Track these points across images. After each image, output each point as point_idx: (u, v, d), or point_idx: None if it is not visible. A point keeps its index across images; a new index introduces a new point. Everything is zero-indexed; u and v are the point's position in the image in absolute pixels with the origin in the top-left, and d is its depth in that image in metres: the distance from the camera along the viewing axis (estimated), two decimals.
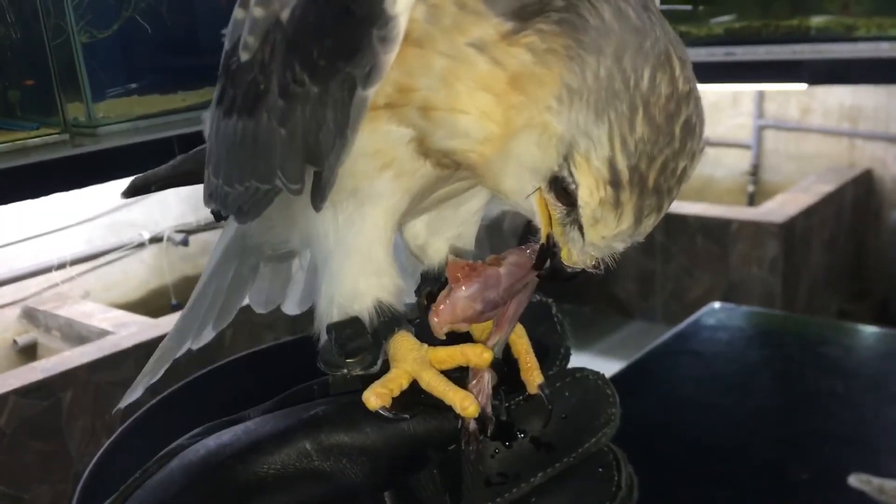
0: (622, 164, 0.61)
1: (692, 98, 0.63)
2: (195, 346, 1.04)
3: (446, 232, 0.83)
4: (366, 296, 0.74)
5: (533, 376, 0.72)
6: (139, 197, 1.01)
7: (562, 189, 0.65)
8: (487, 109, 0.64)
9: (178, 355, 1.03)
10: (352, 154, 0.67)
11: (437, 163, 0.70)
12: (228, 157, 0.79)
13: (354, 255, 0.74)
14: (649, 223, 0.64)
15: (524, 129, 0.64)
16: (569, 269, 0.68)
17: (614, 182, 0.62)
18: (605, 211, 0.63)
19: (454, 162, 0.70)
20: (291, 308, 1.05)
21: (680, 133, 0.62)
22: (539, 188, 0.66)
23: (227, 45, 0.80)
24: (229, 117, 0.78)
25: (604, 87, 0.61)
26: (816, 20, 3.23)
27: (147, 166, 1.04)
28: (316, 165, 0.69)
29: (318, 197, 0.70)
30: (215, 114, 0.82)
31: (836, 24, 3.18)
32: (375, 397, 0.67)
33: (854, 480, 1.60)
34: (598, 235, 0.65)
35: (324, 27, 0.65)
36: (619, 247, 0.66)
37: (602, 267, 0.68)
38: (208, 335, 1.04)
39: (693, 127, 0.63)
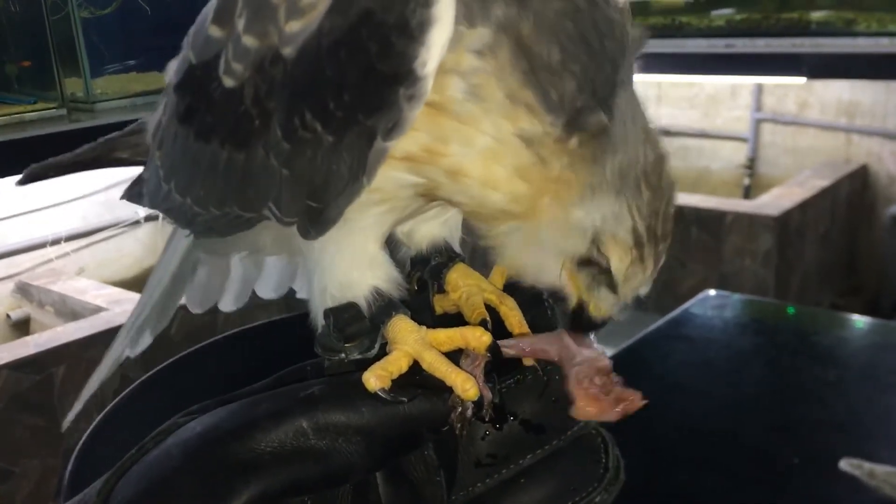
0: (641, 227, 0.70)
1: (665, 155, 0.72)
2: (133, 354, 1.04)
3: (432, 218, 0.83)
4: (360, 285, 0.74)
5: None
6: (135, 174, 0.99)
7: (591, 263, 0.72)
8: (520, 195, 0.69)
9: (119, 363, 1.03)
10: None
11: (437, 202, 0.74)
12: (204, 182, 0.77)
13: (347, 248, 0.74)
14: (662, 261, 0.73)
15: (549, 221, 0.70)
16: (599, 321, 0.75)
17: (638, 244, 0.70)
18: (634, 269, 0.72)
19: (458, 208, 0.74)
20: (228, 305, 1.05)
21: (666, 185, 0.71)
22: (563, 265, 0.73)
23: (192, 59, 0.77)
24: (206, 141, 0.76)
25: (617, 173, 0.69)
26: (816, 14, 3.22)
27: None
28: (319, 203, 0.69)
29: (317, 230, 0.71)
30: (178, 131, 0.80)
31: (836, 19, 3.18)
32: (375, 378, 0.67)
33: (845, 465, 1.61)
34: (630, 288, 0.73)
35: (343, 81, 0.64)
36: (645, 290, 0.74)
37: (628, 310, 0.77)
38: (146, 340, 1.04)
39: (669, 176, 0.72)
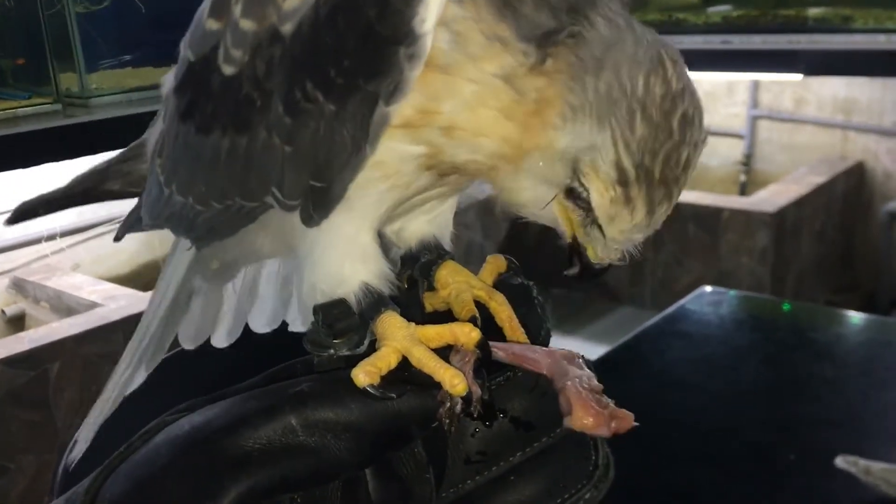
0: (627, 163, 0.66)
1: (686, 93, 0.67)
2: (127, 391, 1.02)
3: (422, 215, 0.83)
4: (351, 280, 0.74)
5: (520, 341, 0.73)
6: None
7: (576, 195, 0.69)
8: (508, 135, 0.67)
9: (120, 400, 1.01)
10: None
11: (440, 173, 0.72)
12: (206, 175, 0.77)
13: (339, 243, 0.74)
14: (662, 212, 0.69)
15: (535, 149, 0.68)
16: (597, 266, 0.73)
17: (622, 181, 0.67)
18: (617, 208, 0.68)
19: (461, 172, 0.72)
20: (220, 340, 1.03)
21: (678, 126, 0.66)
22: (556, 197, 0.71)
23: (190, 57, 0.77)
24: (207, 133, 0.75)
25: (603, 98, 0.65)
26: (813, 11, 3.22)
27: (139, 138, 1.03)
28: (322, 181, 0.69)
29: (320, 213, 0.70)
30: (179, 130, 0.80)
31: (832, 15, 3.18)
32: (364, 374, 0.67)
33: (841, 462, 1.62)
34: (616, 231, 0.69)
35: (343, 46, 0.64)
36: (639, 238, 0.71)
37: (627, 259, 0.73)
38: (140, 378, 1.01)
39: (691, 118, 0.67)
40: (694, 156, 0.68)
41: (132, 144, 0.96)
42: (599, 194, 0.68)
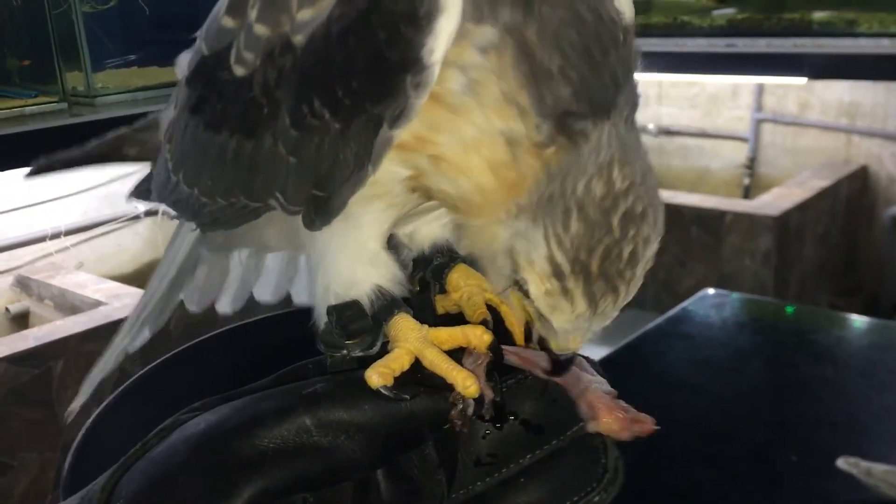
0: (560, 258, 0.66)
1: (631, 192, 0.66)
2: (131, 349, 1.04)
3: (434, 220, 0.83)
4: (363, 283, 0.75)
5: (528, 347, 0.73)
6: (136, 169, 0.99)
7: (521, 287, 0.70)
8: (485, 186, 0.68)
9: (121, 358, 1.02)
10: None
11: (426, 198, 0.73)
12: (212, 171, 0.78)
13: (350, 246, 0.75)
14: (607, 304, 0.68)
15: (489, 228, 0.70)
16: (562, 357, 0.72)
17: (557, 274, 0.66)
18: (556, 300, 0.67)
19: (438, 200, 0.73)
20: (225, 306, 1.05)
21: (619, 223, 0.66)
22: (510, 288, 0.72)
23: (205, 50, 0.78)
24: (215, 131, 0.76)
25: (544, 201, 0.66)
26: (818, 14, 3.22)
27: None
28: (324, 192, 0.69)
29: (321, 220, 0.71)
30: (189, 121, 0.81)
31: (837, 19, 3.18)
32: (378, 376, 0.67)
33: (842, 463, 1.62)
34: (561, 321, 0.69)
35: (351, 68, 0.65)
36: (588, 328, 0.69)
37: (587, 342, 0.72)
38: (145, 336, 1.03)
39: (638, 215, 0.67)
40: (643, 250, 0.67)
41: (149, 117, 0.97)
42: (535, 286, 0.68)
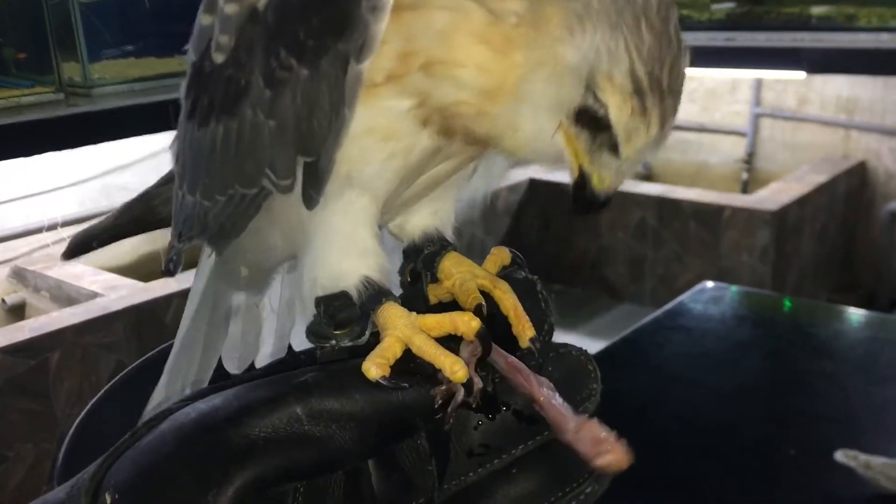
0: (641, 72, 0.64)
1: (673, 1, 0.66)
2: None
3: (423, 209, 0.83)
4: (350, 275, 0.74)
5: (525, 329, 0.73)
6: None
7: (588, 117, 0.66)
8: (484, 63, 0.65)
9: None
10: (347, 136, 0.67)
11: (438, 130, 0.71)
12: (207, 168, 0.78)
13: (338, 238, 0.74)
14: (670, 124, 0.67)
15: (535, 72, 0.65)
16: (603, 195, 0.70)
17: (638, 91, 0.64)
18: (635, 122, 0.65)
19: (456, 125, 0.70)
20: (264, 362, 1.01)
21: (675, 35, 0.65)
22: (560, 126, 0.68)
23: (192, 58, 0.78)
24: (205, 126, 0.76)
25: (609, 6, 0.63)
26: (817, 9, 3.22)
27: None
28: (310, 155, 0.68)
29: (314, 189, 0.70)
30: (186, 131, 0.80)
31: (836, 14, 3.18)
32: (375, 367, 0.67)
33: (841, 456, 1.62)
34: (634, 148, 0.67)
35: (309, 6, 0.65)
36: (651, 155, 0.68)
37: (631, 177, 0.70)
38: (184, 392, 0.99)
39: (678, 28, 0.66)
40: (687, 63, 0.67)
41: (169, 171, 0.95)
42: (618, 108, 0.65)
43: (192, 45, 0.79)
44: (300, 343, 0.98)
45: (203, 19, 0.75)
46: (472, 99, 0.67)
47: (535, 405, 0.70)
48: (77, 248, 1.01)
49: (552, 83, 0.66)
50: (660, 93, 0.65)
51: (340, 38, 0.64)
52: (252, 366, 1.00)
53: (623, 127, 0.66)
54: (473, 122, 0.70)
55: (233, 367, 1.00)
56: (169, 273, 0.92)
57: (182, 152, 0.83)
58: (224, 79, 0.72)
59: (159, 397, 0.99)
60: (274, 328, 1.00)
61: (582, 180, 0.70)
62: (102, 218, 1.00)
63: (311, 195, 0.71)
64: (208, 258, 0.90)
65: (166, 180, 0.95)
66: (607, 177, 0.69)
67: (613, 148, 0.68)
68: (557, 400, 0.69)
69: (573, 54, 0.65)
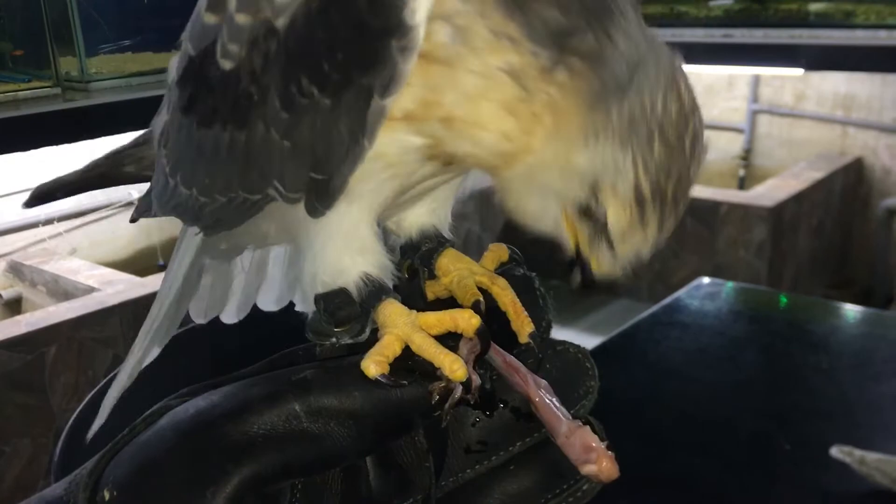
0: (645, 184, 0.66)
1: (696, 108, 0.68)
2: (143, 364, 1.02)
3: (420, 207, 0.83)
4: (350, 271, 0.74)
5: (524, 325, 0.73)
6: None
7: (589, 212, 0.69)
8: (508, 132, 0.66)
9: (135, 375, 1.01)
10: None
11: (443, 163, 0.72)
12: (208, 168, 0.77)
13: (338, 235, 0.74)
14: (670, 227, 0.69)
15: (549, 161, 0.67)
16: (598, 278, 0.72)
17: (639, 201, 0.67)
18: (633, 227, 0.68)
19: (463, 164, 0.71)
20: (230, 316, 1.03)
21: (689, 144, 0.67)
22: (563, 211, 0.70)
23: (190, 51, 0.77)
24: (208, 127, 0.75)
25: (626, 121, 0.65)
26: (815, 6, 3.22)
27: (138, 124, 1.02)
28: (324, 174, 0.68)
29: (323, 204, 0.70)
30: (182, 122, 0.80)
31: (834, 11, 3.18)
32: (375, 365, 0.67)
33: (836, 452, 1.62)
34: (627, 248, 0.69)
35: (335, 41, 0.64)
36: (647, 254, 0.70)
37: (629, 271, 0.72)
38: (153, 354, 1.01)
39: (698, 134, 0.68)
40: (699, 171, 0.69)
41: (144, 133, 0.95)
42: (616, 215, 0.68)
43: (189, 38, 0.78)
44: (265, 303, 1.02)
45: (206, 17, 0.74)
46: (489, 158, 0.69)
47: (531, 405, 0.70)
48: (42, 197, 1.01)
49: (559, 177, 0.68)
50: (661, 202, 0.67)
51: (366, 74, 0.63)
52: (217, 320, 1.01)
53: (619, 230, 0.69)
54: (484, 170, 0.72)
55: (199, 318, 1.02)
56: (133, 221, 0.95)
57: (174, 143, 0.82)
58: (232, 88, 0.71)
59: (133, 355, 0.98)
60: (242, 286, 1.01)
61: (578, 258, 0.72)
62: (69, 173, 1.01)
63: (317, 207, 0.71)
64: (192, 231, 0.90)
65: (137, 142, 0.96)
66: (604, 264, 0.72)
67: (608, 243, 0.70)
68: (553, 402, 0.70)
69: (583, 162, 0.67)
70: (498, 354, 0.71)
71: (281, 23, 0.67)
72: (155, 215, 0.91)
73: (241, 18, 0.69)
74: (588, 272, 0.72)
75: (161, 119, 0.88)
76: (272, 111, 0.68)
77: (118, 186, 1.00)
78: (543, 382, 0.70)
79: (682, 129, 0.67)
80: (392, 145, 0.68)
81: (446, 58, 0.64)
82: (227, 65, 0.71)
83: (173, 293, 0.94)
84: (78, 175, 1.00)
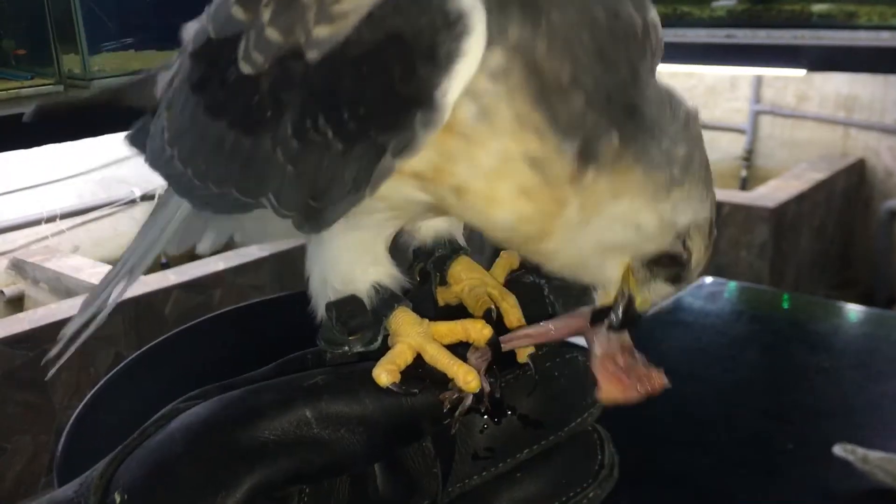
0: (713, 217, 0.71)
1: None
2: (115, 293, 1.03)
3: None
4: (362, 280, 0.74)
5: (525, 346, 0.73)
6: (131, 154, 0.98)
7: (668, 257, 0.71)
8: (526, 215, 0.67)
9: (103, 308, 1.01)
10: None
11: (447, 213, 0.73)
12: (207, 157, 0.77)
13: (351, 248, 0.74)
14: None
15: (613, 226, 0.68)
16: (640, 314, 0.74)
17: (711, 233, 0.72)
18: (703, 261, 0.72)
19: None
20: (205, 247, 1.03)
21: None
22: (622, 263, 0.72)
23: (211, 32, 0.76)
24: (215, 118, 0.75)
25: (700, 167, 0.69)
26: (818, 6, 3.22)
27: None
28: (318, 203, 0.68)
29: (313, 228, 0.70)
30: (189, 97, 0.79)
31: (837, 11, 3.18)
32: (386, 374, 0.67)
33: (838, 450, 1.62)
34: (691, 278, 0.74)
35: (361, 95, 0.64)
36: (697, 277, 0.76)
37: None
38: (132, 281, 1.02)
39: None
40: None
41: (144, 75, 0.96)
42: (700, 253, 0.71)
43: (213, 17, 0.77)
44: (239, 238, 1.03)
45: (234, 10, 0.73)
46: (503, 235, 0.70)
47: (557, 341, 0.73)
48: (45, 113, 1.02)
49: (640, 234, 0.69)
50: (713, 232, 0.72)
51: (384, 134, 0.63)
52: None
53: (696, 266, 0.72)
54: (502, 243, 0.74)
55: (172, 249, 1.02)
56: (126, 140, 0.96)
57: (178, 115, 0.82)
58: (248, 94, 0.71)
59: (111, 274, 1.00)
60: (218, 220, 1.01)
61: (626, 303, 0.73)
62: (77, 96, 1.03)
63: (305, 227, 0.71)
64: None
65: (143, 81, 0.96)
66: (649, 300, 0.74)
67: (673, 278, 0.73)
68: (559, 323, 0.73)
69: (672, 212, 0.69)
70: (522, 338, 0.71)
71: (312, 56, 0.66)
72: (146, 162, 0.91)
73: (272, 33, 0.69)
74: (631, 311, 0.73)
75: (169, 74, 0.87)
76: (283, 133, 0.68)
77: (120, 111, 1.00)
78: (542, 324, 0.72)
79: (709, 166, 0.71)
80: (397, 193, 0.68)
81: (466, 134, 0.64)
82: (246, 69, 0.71)
83: (155, 229, 0.95)
84: (84, 99, 1.03)
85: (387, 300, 0.73)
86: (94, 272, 3.43)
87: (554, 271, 0.74)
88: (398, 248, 0.78)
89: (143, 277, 3.35)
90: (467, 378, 0.67)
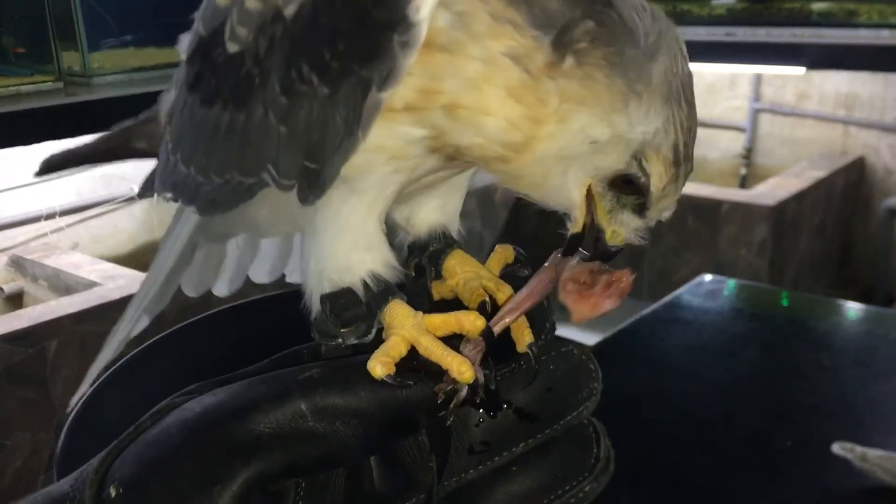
0: (680, 143, 0.69)
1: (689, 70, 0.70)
2: (132, 334, 1.03)
3: (430, 203, 0.83)
4: (358, 269, 0.74)
5: (523, 335, 0.73)
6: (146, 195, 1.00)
7: (621, 181, 0.70)
8: (514, 118, 0.67)
9: (122, 346, 1.02)
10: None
11: (447, 157, 0.72)
12: (206, 147, 0.78)
13: (346, 231, 0.74)
14: (683, 186, 0.72)
15: (575, 135, 0.68)
16: (612, 248, 0.74)
17: (676, 162, 0.69)
18: (668, 189, 0.70)
19: (467, 157, 0.71)
20: (222, 289, 1.06)
21: (693, 102, 0.70)
22: (583, 184, 0.71)
23: (201, 31, 0.78)
24: (209, 106, 0.76)
25: (663, 81, 0.67)
26: (818, 4, 3.22)
27: None
28: (316, 163, 0.69)
29: (314, 193, 0.70)
30: (187, 99, 0.81)
31: (837, 10, 3.18)
32: (381, 366, 0.67)
33: (838, 448, 1.62)
34: (659, 210, 0.72)
35: (338, 30, 0.65)
36: (668, 215, 0.73)
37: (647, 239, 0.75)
38: (144, 323, 1.03)
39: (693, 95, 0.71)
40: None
41: (153, 108, 0.97)
42: (659, 177, 0.70)
43: (201, 18, 0.79)
44: (257, 275, 1.06)
45: (219, 0, 0.75)
46: (494, 147, 0.69)
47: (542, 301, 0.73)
48: (53, 166, 1.04)
49: (595, 149, 0.69)
50: (688, 160, 0.70)
51: (365, 66, 0.64)
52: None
53: (658, 193, 0.71)
54: (489, 164, 0.72)
55: (191, 292, 1.04)
56: (140, 196, 0.97)
57: (178, 119, 0.83)
58: (237, 70, 0.72)
59: (122, 326, 1.01)
60: (235, 259, 1.04)
61: (594, 234, 0.73)
62: (80, 146, 1.03)
63: (308, 196, 0.71)
64: (189, 211, 0.91)
65: (148, 118, 0.97)
66: (621, 233, 0.73)
67: (638, 208, 0.72)
68: (533, 282, 0.73)
69: (628, 126, 0.68)
70: (524, 300, 0.72)
71: (289, 10, 0.68)
72: (157, 193, 0.92)
73: (252, 3, 0.71)
74: (601, 245, 0.73)
75: (169, 96, 0.89)
76: (272, 95, 0.69)
77: (125, 160, 1.03)
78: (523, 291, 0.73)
79: (692, 87, 0.69)
80: (393, 138, 0.68)
81: (446, 44, 0.65)
82: (233, 47, 0.72)
83: (167, 267, 0.95)
84: (88, 148, 1.02)
85: (382, 292, 0.73)
86: (93, 269, 3.43)
87: (525, 191, 0.74)
88: (393, 247, 0.78)
89: (143, 274, 3.35)
90: (461, 369, 0.67)
